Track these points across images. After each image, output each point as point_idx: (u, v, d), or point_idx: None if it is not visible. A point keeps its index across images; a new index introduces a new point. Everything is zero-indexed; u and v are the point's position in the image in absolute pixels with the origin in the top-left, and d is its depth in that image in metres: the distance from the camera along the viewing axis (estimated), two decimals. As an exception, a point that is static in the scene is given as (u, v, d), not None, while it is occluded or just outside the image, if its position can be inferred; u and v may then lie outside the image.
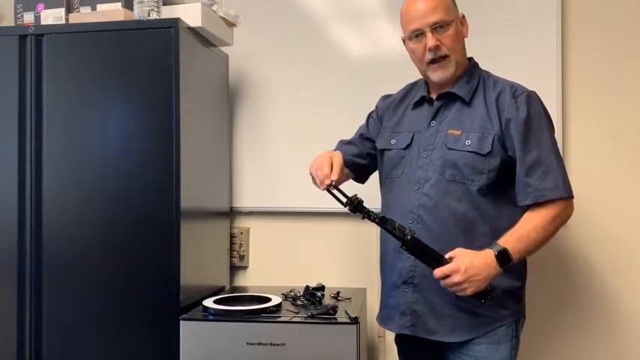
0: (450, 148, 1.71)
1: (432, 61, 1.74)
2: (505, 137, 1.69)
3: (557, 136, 2.25)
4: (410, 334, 1.77)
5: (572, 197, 1.68)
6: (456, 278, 1.56)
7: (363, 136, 1.99)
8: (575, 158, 2.33)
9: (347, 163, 1.94)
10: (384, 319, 1.87)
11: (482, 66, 1.85)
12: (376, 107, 2.00)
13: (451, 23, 1.72)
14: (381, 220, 1.63)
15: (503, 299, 1.69)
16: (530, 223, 1.63)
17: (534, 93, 1.73)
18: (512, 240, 1.61)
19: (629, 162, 2.31)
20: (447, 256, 1.60)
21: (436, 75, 1.76)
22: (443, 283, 1.59)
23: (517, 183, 1.68)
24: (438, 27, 1.71)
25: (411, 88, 1.93)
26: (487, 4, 2.34)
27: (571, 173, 2.28)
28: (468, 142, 1.70)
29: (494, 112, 1.71)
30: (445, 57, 1.73)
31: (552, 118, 2.24)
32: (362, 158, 1.97)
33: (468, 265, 1.57)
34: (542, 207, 1.64)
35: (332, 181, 1.68)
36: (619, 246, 2.31)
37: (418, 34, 1.73)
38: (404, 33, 1.80)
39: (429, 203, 1.72)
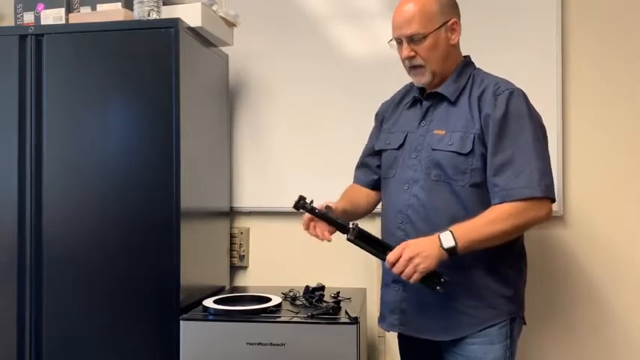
0: (434, 149, 1.72)
1: (410, 67, 1.77)
2: (484, 136, 1.68)
3: (557, 135, 2.27)
4: (399, 332, 1.80)
5: (549, 198, 1.65)
6: (407, 252, 1.57)
7: (372, 150, 1.99)
8: (575, 158, 2.33)
9: (368, 185, 1.99)
10: (380, 317, 1.89)
11: (481, 62, 1.83)
12: (376, 116, 2.02)
13: (428, 35, 1.70)
14: (324, 213, 1.68)
15: (492, 299, 1.69)
16: (486, 216, 1.62)
17: (519, 91, 1.70)
18: (462, 227, 1.61)
19: (630, 161, 2.30)
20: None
21: (414, 80, 1.81)
22: (395, 268, 1.59)
23: (487, 182, 1.68)
24: (413, 38, 1.71)
25: (410, 88, 1.93)
26: (487, 0, 2.34)
27: (571, 173, 2.32)
28: (451, 142, 1.70)
29: (476, 111, 1.70)
30: (420, 66, 1.74)
31: (552, 117, 2.26)
32: (375, 174, 1.98)
33: (414, 242, 1.60)
34: (507, 204, 1.63)
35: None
36: (619, 246, 2.31)
37: (398, 42, 1.76)
38: None
39: (417, 204, 1.73)
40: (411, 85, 1.92)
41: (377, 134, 1.98)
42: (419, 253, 1.57)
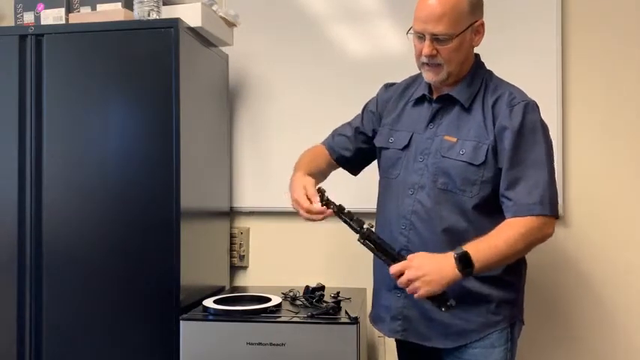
0: (443, 156, 1.68)
1: (425, 63, 1.69)
2: (497, 147, 1.65)
3: (557, 135, 2.27)
4: (402, 338, 1.78)
5: (555, 217, 1.63)
6: (409, 274, 1.54)
7: (358, 130, 1.94)
8: (575, 158, 2.32)
9: (335, 158, 1.94)
10: (375, 318, 1.87)
11: (481, 63, 1.82)
12: (376, 97, 1.95)
13: (454, 37, 1.62)
14: (339, 209, 1.65)
15: (494, 306, 1.68)
16: (502, 235, 1.58)
17: (533, 103, 1.66)
18: (478, 246, 1.56)
19: (630, 161, 2.30)
20: (408, 257, 1.60)
21: (426, 76, 1.72)
22: (398, 282, 1.57)
23: (500, 196, 1.65)
24: (438, 38, 1.63)
25: (412, 81, 1.87)
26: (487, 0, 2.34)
27: (571, 173, 2.32)
28: (462, 151, 1.66)
29: (490, 120, 1.66)
30: (438, 65, 1.67)
31: (552, 117, 2.25)
32: (349, 152, 1.94)
33: (421, 263, 1.55)
34: (519, 220, 1.60)
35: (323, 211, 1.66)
36: (619, 246, 2.31)
37: (419, 36, 1.67)
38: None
39: (422, 211, 1.70)
40: (415, 78, 1.86)
41: (371, 117, 1.91)
42: (422, 276, 1.53)
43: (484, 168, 1.65)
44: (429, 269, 1.54)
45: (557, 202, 1.64)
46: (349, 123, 1.98)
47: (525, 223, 1.59)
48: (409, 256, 1.59)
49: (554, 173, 1.66)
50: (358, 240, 1.63)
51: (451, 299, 1.57)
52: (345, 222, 1.64)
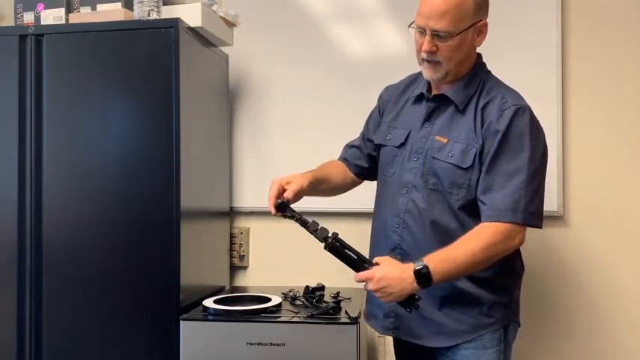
0: (433, 157, 1.68)
1: (425, 60, 1.68)
2: (483, 151, 1.63)
3: (557, 135, 2.27)
4: (394, 336, 1.78)
5: (530, 225, 1.61)
6: (369, 286, 1.57)
7: (365, 137, 1.95)
8: (575, 158, 2.32)
9: (352, 170, 1.95)
10: (368, 314, 1.87)
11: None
12: (379, 98, 1.94)
13: (455, 35, 1.60)
14: (302, 222, 1.67)
15: (487, 307, 1.68)
16: (463, 247, 1.57)
17: (525, 108, 1.63)
18: (438, 259, 1.55)
19: (630, 161, 2.30)
20: (374, 260, 1.61)
21: (425, 72, 1.71)
22: (364, 287, 1.60)
23: (477, 199, 1.63)
24: (439, 34, 1.61)
25: (415, 78, 1.86)
26: None
27: (571, 173, 2.32)
28: (451, 153, 1.65)
29: (479, 123, 1.64)
30: (437, 62, 1.66)
31: (552, 117, 2.25)
32: (364, 161, 1.94)
33: (382, 275, 1.55)
34: (489, 227, 1.59)
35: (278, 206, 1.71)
36: (619, 246, 2.31)
37: (420, 31, 1.65)
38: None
39: (415, 210, 1.70)
40: (416, 76, 1.85)
41: (376, 122, 1.91)
42: (382, 288, 1.55)
43: (471, 172, 1.64)
44: (388, 282, 1.55)
45: (536, 211, 1.61)
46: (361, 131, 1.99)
47: (495, 230, 1.58)
48: (378, 260, 1.60)
49: (538, 181, 1.62)
50: (324, 248, 1.64)
51: (416, 302, 1.59)
52: (310, 232, 1.66)
